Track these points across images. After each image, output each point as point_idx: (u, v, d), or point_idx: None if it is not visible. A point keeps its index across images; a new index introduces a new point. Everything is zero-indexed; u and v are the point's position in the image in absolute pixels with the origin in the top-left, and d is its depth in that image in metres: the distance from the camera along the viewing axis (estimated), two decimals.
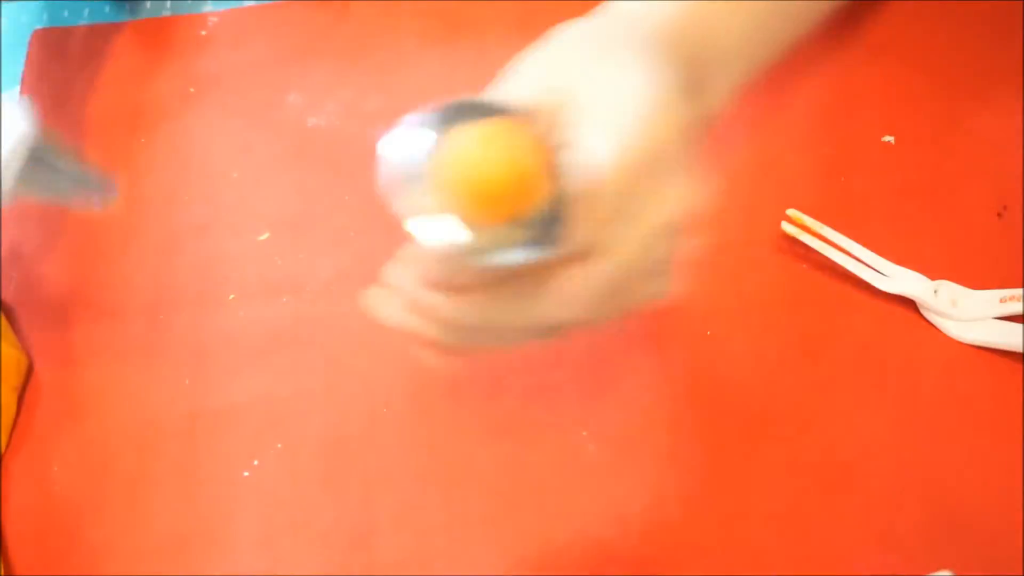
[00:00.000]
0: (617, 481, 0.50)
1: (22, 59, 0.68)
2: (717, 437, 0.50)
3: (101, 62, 0.67)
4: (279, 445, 0.52)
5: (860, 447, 0.49)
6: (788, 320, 0.53)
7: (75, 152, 0.47)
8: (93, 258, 0.60)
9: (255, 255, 0.59)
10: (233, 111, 0.64)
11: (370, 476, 0.51)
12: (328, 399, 0.52)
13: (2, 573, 0.49)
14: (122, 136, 0.64)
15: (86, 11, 0.70)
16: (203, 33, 0.68)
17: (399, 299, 0.41)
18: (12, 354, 0.54)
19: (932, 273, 0.52)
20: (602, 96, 0.40)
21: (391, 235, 0.42)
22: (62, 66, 0.68)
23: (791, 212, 0.53)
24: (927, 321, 0.52)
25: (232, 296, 0.57)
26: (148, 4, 0.70)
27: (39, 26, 0.70)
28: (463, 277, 0.38)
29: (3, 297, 0.58)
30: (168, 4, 0.70)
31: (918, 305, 0.52)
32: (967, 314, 0.51)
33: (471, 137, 0.33)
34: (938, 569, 0.45)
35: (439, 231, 0.34)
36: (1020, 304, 0.51)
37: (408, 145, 0.34)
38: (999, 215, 0.55)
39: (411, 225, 0.34)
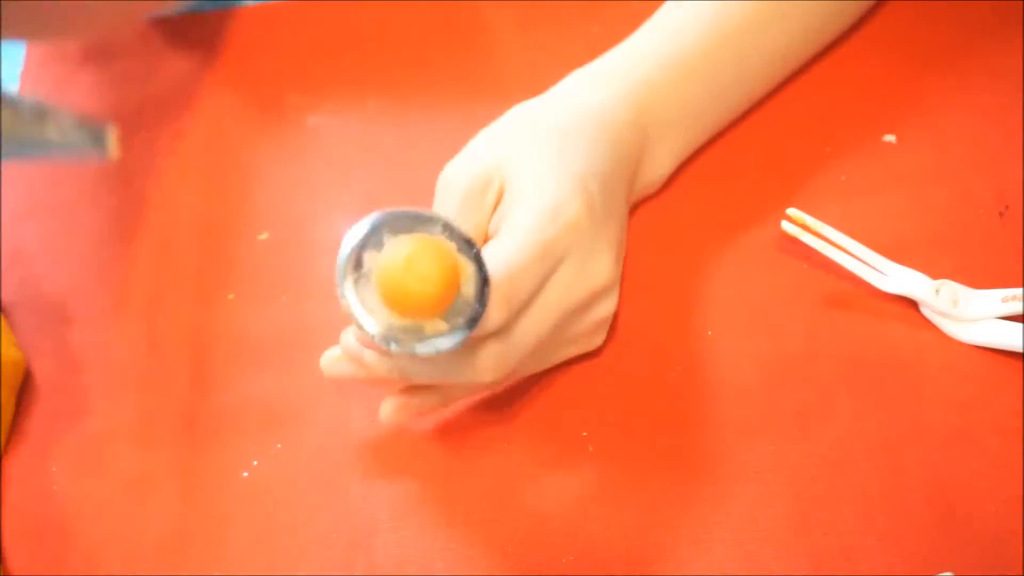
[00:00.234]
0: (617, 481, 0.50)
1: (22, 59, 0.68)
2: (717, 437, 0.50)
3: (101, 62, 0.67)
4: (279, 445, 0.52)
5: (860, 447, 0.49)
6: (788, 320, 0.53)
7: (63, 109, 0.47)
8: (93, 258, 0.60)
9: (255, 255, 0.59)
10: (233, 111, 0.64)
11: (370, 476, 0.51)
12: (328, 399, 0.52)
13: (1, 573, 0.49)
14: (122, 136, 0.64)
15: None
16: (203, 33, 0.68)
17: (348, 359, 0.49)
18: (11, 354, 0.54)
19: (933, 272, 0.52)
20: (523, 190, 0.48)
21: None
22: (62, 66, 0.68)
23: (791, 212, 0.53)
24: (928, 321, 0.52)
25: (232, 296, 0.57)
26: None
27: None
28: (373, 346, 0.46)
29: (3, 297, 0.58)
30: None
31: (919, 305, 0.52)
32: (968, 314, 0.51)
33: (400, 253, 0.40)
34: (939, 570, 0.45)
35: (373, 323, 0.42)
36: (1021, 304, 0.51)
37: (355, 245, 0.42)
38: (1000, 214, 0.55)
39: (342, 297, 0.42)
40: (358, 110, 0.64)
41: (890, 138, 0.58)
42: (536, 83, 0.56)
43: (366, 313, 0.42)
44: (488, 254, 0.44)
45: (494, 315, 0.44)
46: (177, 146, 0.63)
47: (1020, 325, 0.50)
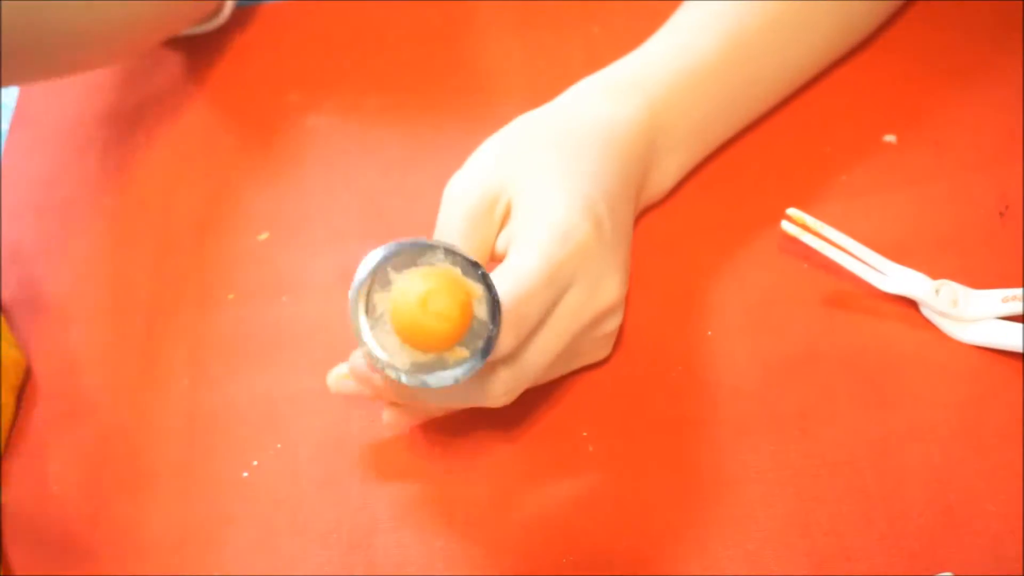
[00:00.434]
0: (617, 481, 0.50)
1: None
2: (717, 437, 0.50)
3: None
4: (279, 445, 0.52)
5: (860, 447, 0.49)
6: (788, 320, 0.53)
7: None
8: (93, 258, 0.60)
9: (255, 255, 0.59)
10: (233, 111, 0.64)
11: (370, 476, 0.51)
12: (328, 399, 0.52)
13: (1, 573, 0.49)
14: (122, 136, 0.64)
15: None
16: (204, 33, 0.68)
17: (357, 380, 0.48)
18: (11, 354, 0.54)
19: (933, 272, 0.52)
20: (531, 211, 0.48)
21: (391, 236, 0.43)
22: None
23: (791, 212, 0.53)
24: (928, 321, 0.52)
25: (232, 296, 0.57)
26: None
27: None
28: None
29: (3, 297, 0.58)
30: None
31: (919, 305, 0.52)
32: (968, 314, 0.51)
33: (412, 293, 0.41)
34: (939, 570, 0.45)
35: (380, 352, 0.42)
36: (1021, 304, 0.51)
37: (360, 290, 0.42)
38: (1001, 214, 0.55)
39: (362, 343, 0.42)
40: (358, 110, 0.64)
41: (890, 138, 0.58)
42: (536, 83, 0.56)
43: (387, 354, 0.42)
44: (497, 279, 0.44)
45: (504, 341, 0.44)
46: (177, 146, 0.63)
47: (1020, 325, 0.50)
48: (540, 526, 0.49)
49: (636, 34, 0.56)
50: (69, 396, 0.55)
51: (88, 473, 0.52)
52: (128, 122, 0.65)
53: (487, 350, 0.42)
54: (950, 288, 0.51)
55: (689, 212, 0.57)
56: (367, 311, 0.42)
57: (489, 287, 0.42)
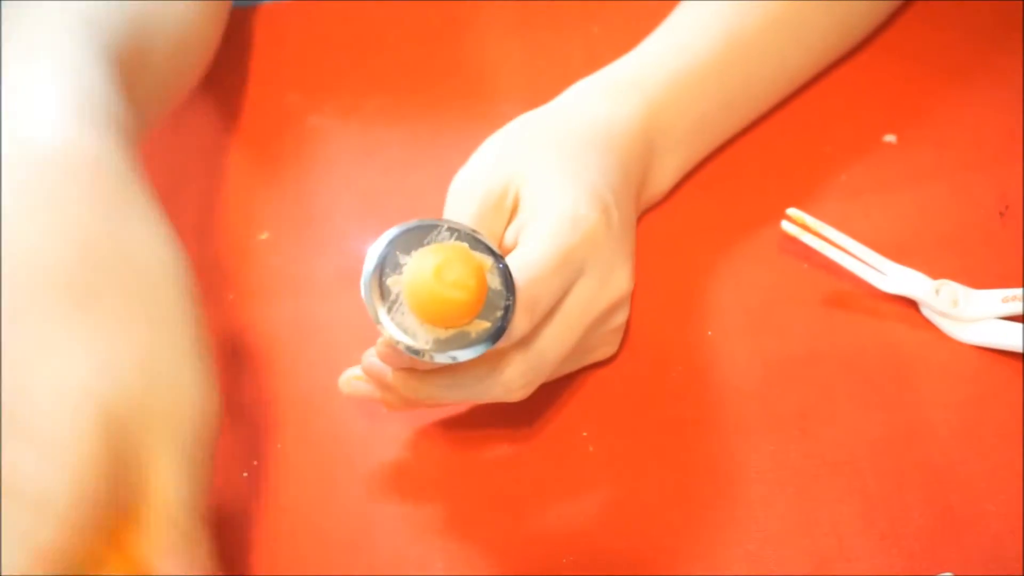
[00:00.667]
0: (617, 481, 0.50)
1: None
2: (717, 437, 0.50)
3: None
4: (279, 445, 0.52)
5: (860, 447, 0.49)
6: (788, 320, 0.53)
7: None
8: None
9: (255, 255, 0.59)
10: (233, 111, 0.64)
11: (370, 476, 0.51)
12: (328, 399, 0.52)
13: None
14: None
15: None
16: None
17: (369, 378, 0.48)
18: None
19: (933, 272, 0.52)
20: (540, 200, 0.48)
21: None
22: None
23: (791, 211, 0.53)
24: (928, 321, 0.52)
25: (232, 296, 0.57)
26: None
27: None
28: (422, 365, 0.45)
29: None
30: None
31: (919, 305, 0.52)
32: (968, 314, 0.51)
33: (425, 269, 0.41)
34: (939, 570, 0.45)
35: (401, 334, 0.42)
36: (1021, 304, 0.51)
37: (372, 278, 0.42)
38: (1001, 214, 0.55)
39: (381, 327, 0.42)
40: (358, 110, 0.64)
41: (890, 138, 0.58)
42: (536, 83, 0.56)
43: (408, 336, 0.42)
44: (509, 262, 0.44)
45: (518, 324, 0.44)
46: (177, 146, 0.63)
47: (1020, 325, 0.50)
48: (540, 526, 0.49)
49: (636, 34, 0.56)
50: None
51: None
52: None
53: (507, 317, 0.42)
54: (950, 288, 0.51)
55: (689, 212, 0.57)
56: (382, 299, 0.42)
57: (497, 257, 0.42)
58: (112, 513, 0.35)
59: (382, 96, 0.64)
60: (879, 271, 0.52)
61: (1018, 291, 0.51)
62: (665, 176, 0.55)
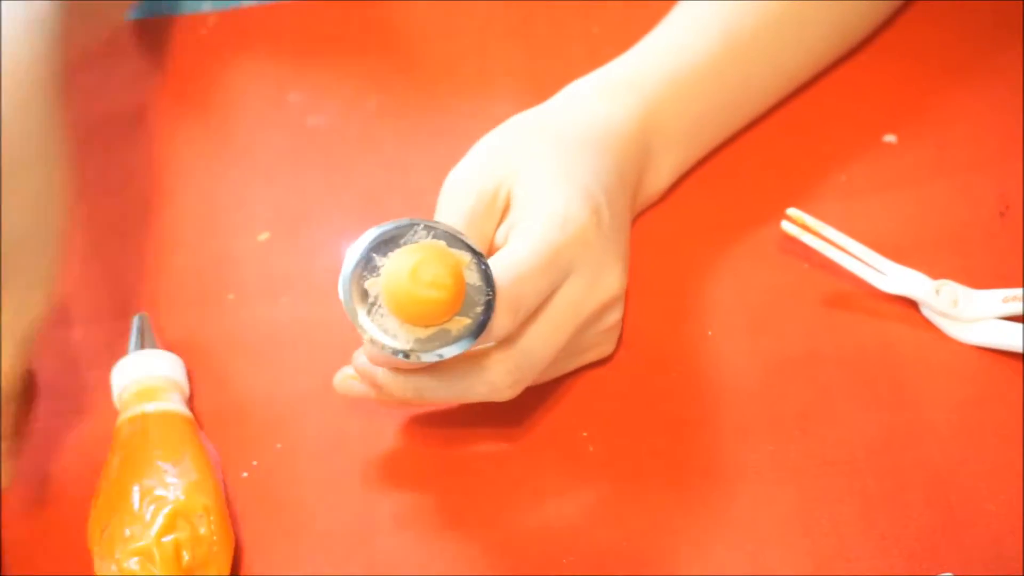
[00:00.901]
0: (617, 481, 0.50)
1: None
2: (717, 437, 0.50)
3: (100, 62, 0.67)
4: (279, 445, 0.52)
5: (860, 447, 0.49)
6: (788, 320, 0.53)
7: None
8: (93, 258, 0.60)
9: (255, 255, 0.59)
10: (233, 111, 0.64)
11: (370, 476, 0.51)
12: (328, 399, 0.52)
13: (1, 573, 0.49)
14: (122, 136, 0.64)
15: None
16: (203, 33, 0.68)
17: (361, 377, 0.48)
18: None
19: (933, 273, 0.52)
20: (530, 200, 0.48)
21: None
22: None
23: (791, 212, 0.53)
24: (928, 321, 0.52)
25: (232, 296, 0.57)
26: (147, 4, 0.70)
27: None
28: (407, 365, 0.45)
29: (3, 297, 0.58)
30: (168, 4, 0.69)
31: (919, 305, 0.52)
32: (968, 314, 0.51)
33: (401, 270, 0.41)
34: (939, 570, 0.45)
35: (383, 336, 0.42)
36: (1021, 304, 0.51)
37: (351, 282, 0.42)
38: (1001, 214, 0.55)
39: (362, 330, 0.42)
40: (358, 110, 0.64)
41: (890, 138, 0.58)
42: (535, 83, 0.56)
43: (389, 337, 0.42)
44: (494, 263, 0.44)
45: (501, 322, 0.44)
46: (177, 146, 0.63)
47: (1020, 325, 0.50)
48: (540, 526, 0.49)
49: (636, 34, 0.56)
50: (69, 396, 0.55)
51: (88, 473, 0.52)
52: (128, 122, 0.65)
53: (488, 312, 0.42)
54: (950, 288, 0.51)
55: (689, 212, 0.57)
56: (361, 301, 0.42)
57: (475, 252, 0.43)
58: None
59: (382, 96, 0.64)
60: (879, 271, 0.52)
61: (1018, 291, 0.51)
62: (662, 176, 0.55)
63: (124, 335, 0.55)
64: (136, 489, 0.47)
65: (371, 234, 0.43)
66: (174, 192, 0.62)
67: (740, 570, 0.46)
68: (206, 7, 0.69)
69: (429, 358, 0.42)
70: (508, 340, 0.46)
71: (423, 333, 0.42)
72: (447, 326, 0.42)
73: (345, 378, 0.50)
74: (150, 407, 0.50)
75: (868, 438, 0.49)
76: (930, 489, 0.47)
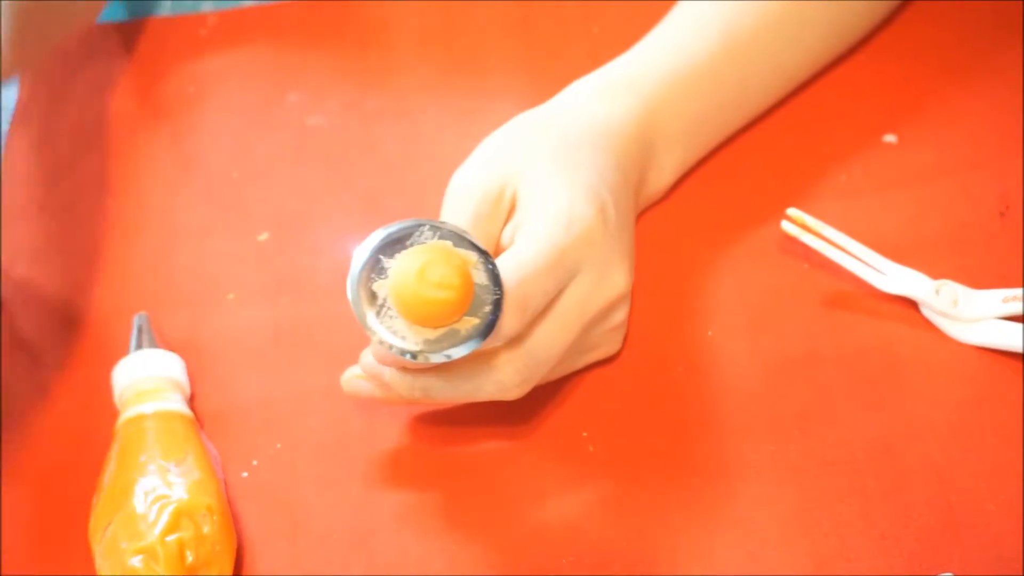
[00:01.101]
0: (617, 481, 0.50)
1: None
2: (717, 437, 0.50)
3: (101, 62, 0.67)
4: (278, 445, 0.52)
5: (860, 447, 0.49)
6: (788, 320, 0.53)
7: None
8: (93, 258, 0.60)
9: (255, 255, 0.59)
10: (233, 111, 0.64)
11: (370, 476, 0.51)
12: (328, 399, 0.52)
13: (1, 573, 0.50)
14: (122, 136, 0.64)
15: None
16: (203, 33, 0.68)
17: (368, 377, 0.48)
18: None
19: (933, 273, 0.52)
20: (536, 200, 0.48)
21: None
22: (62, 66, 0.68)
23: (791, 212, 0.53)
24: (928, 321, 0.52)
25: (232, 296, 0.57)
26: (147, 4, 0.70)
27: None
28: (416, 366, 0.45)
29: (3, 297, 0.58)
30: (168, 4, 0.69)
31: (919, 305, 0.52)
32: (968, 314, 0.51)
33: (408, 271, 0.41)
34: (939, 570, 0.45)
35: (392, 337, 0.42)
36: (1021, 304, 0.51)
37: (359, 284, 0.42)
38: (1001, 214, 0.55)
39: (371, 332, 0.42)
40: (358, 110, 0.64)
41: (890, 138, 0.58)
42: (536, 83, 0.56)
43: (398, 339, 0.42)
44: (500, 263, 0.44)
45: (508, 322, 0.44)
46: (177, 146, 0.63)
47: (1020, 325, 0.50)
48: (540, 526, 0.49)
49: (636, 34, 0.56)
50: (69, 395, 0.55)
51: (88, 473, 0.52)
52: (128, 122, 0.65)
53: (496, 311, 0.42)
54: (950, 288, 0.51)
55: (689, 212, 0.57)
56: (370, 303, 0.42)
57: (482, 252, 0.43)
58: None
59: (382, 96, 0.64)
60: (879, 271, 0.52)
61: (1018, 291, 0.51)
62: (663, 175, 0.55)
63: (124, 335, 0.55)
64: (139, 488, 0.47)
65: (377, 235, 0.43)
66: (174, 192, 0.62)
67: (740, 570, 0.47)
68: (206, 7, 0.69)
69: (438, 359, 0.42)
70: (516, 340, 0.46)
71: (432, 334, 0.42)
72: (456, 326, 0.42)
73: (352, 378, 0.50)
74: (151, 407, 0.50)
75: (868, 438, 0.49)
76: (930, 489, 0.47)
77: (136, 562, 0.45)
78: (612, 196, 0.49)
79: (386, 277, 0.42)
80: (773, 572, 0.46)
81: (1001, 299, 0.51)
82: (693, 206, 0.57)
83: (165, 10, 0.69)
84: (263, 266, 0.58)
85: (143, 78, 0.67)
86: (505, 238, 0.48)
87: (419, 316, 0.42)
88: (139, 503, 0.47)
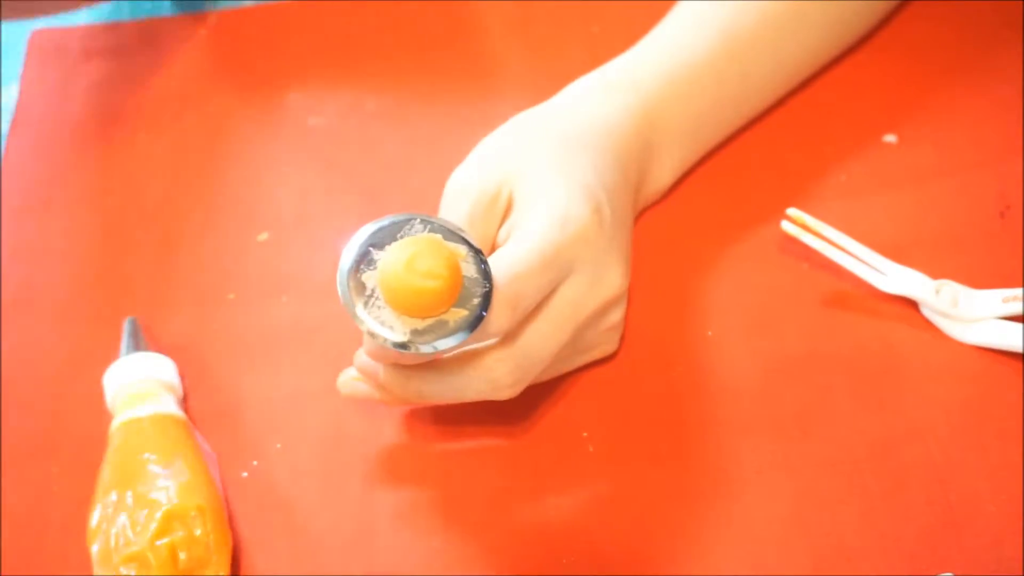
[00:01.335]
0: (617, 481, 0.50)
1: (21, 58, 0.68)
2: (717, 437, 0.50)
3: (101, 62, 0.67)
4: (278, 445, 0.52)
5: (860, 447, 0.49)
6: (788, 320, 0.53)
7: None
8: (93, 258, 0.60)
9: (255, 255, 0.59)
10: (233, 111, 0.64)
11: (370, 476, 0.51)
12: (328, 399, 0.52)
13: (1, 573, 0.50)
14: (122, 136, 0.64)
15: (85, 11, 0.70)
16: (203, 33, 0.68)
17: (364, 377, 0.49)
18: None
19: (933, 272, 0.52)
20: (532, 200, 0.48)
21: None
22: (62, 66, 0.68)
23: (791, 211, 0.53)
24: (928, 321, 0.52)
25: (232, 296, 0.57)
26: (147, 4, 0.70)
27: (38, 26, 0.70)
28: (406, 359, 0.46)
29: (2, 297, 0.58)
30: (168, 4, 0.70)
31: (919, 305, 0.52)
32: (968, 314, 0.51)
33: (397, 261, 0.41)
34: (939, 570, 0.45)
35: (379, 327, 0.42)
36: (1021, 304, 0.51)
37: (349, 275, 0.42)
38: (1001, 215, 0.55)
39: (359, 321, 0.42)
40: (358, 110, 0.64)
41: (891, 138, 0.58)
42: (536, 83, 0.56)
43: (386, 329, 0.42)
44: (494, 260, 0.44)
45: (500, 319, 0.44)
46: (177, 146, 0.63)
47: (1020, 325, 0.50)
48: (540, 526, 0.49)
49: (636, 34, 0.56)
50: (69, 395, 0.55)
51: (88, 474, 0.52)
52: (128, 122, 0.65)
53: (485, 304, 0.42)
54: (950, 288, 0.51)
55: (689, 212, 0.57)
56: (359, 294, 0.42)
57: (472, 246, 0.43)
58: None
59: (382, 96, 0.64)
60: (879, 271, 0.52)
61: (1018, 291, 0.51)
62: (663, 174, 0.55)
63: (120, 337, 0.55)
64: (129, 494, 0.47)
65: (369, 228, 0.43)
66: (174, 192, 0.62)
67: (740, 570, 0.47)
68: (206, 7, 0.69)
69: (426, 349, 0.42)
70: (509, 338, 0.46)
71: (420, 324, 0.42)
72: (444, 317, 0.42)
73: (349, 379, 0.50)
74: (143, 411, 0.50)
75: (868, 438, 0.49)
76: (930, 489, 0.47)
77: (128, 570, 0.45)
78: (609, 196, 0.49)
79: (375, 268, 0.42)
80: (773, 572, 0.46)
81: (1001, 299, 0.51)
82: (693, 206, 0.57)
83: (165, 10, 0.69)
84: (263, 266, 0.58)
85: (143, 78, 0.67)
86: (501, 237, 0.48)
87: (406, 305, 0.42)
88: (129, 509, 0.47)
